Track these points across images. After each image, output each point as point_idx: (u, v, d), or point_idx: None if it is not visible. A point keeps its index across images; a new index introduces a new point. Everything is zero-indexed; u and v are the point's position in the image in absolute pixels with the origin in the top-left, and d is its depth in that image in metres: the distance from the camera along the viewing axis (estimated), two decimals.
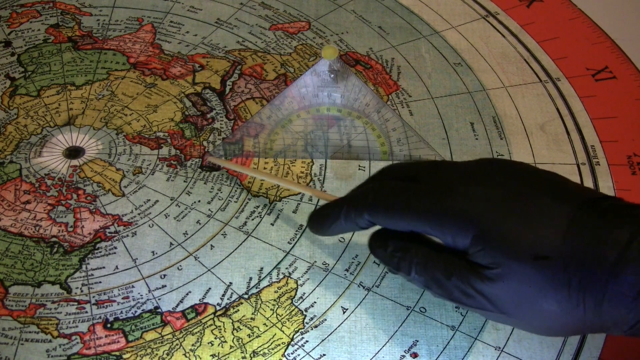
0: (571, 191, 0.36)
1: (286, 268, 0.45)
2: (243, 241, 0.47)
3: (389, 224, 0.38)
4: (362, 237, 0.47)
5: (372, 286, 0.45)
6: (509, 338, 0.42)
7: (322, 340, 0.42)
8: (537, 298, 0.34)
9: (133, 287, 0.44)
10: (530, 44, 0.60)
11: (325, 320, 0.43)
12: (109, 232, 0.47)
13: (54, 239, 0.46)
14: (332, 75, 0.49)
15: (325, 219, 0.41)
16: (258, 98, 0.55)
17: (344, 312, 0.44)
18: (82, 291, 0.44)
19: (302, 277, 0.45)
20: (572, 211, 0.34)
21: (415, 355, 0.42)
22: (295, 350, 0.42)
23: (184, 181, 0.50)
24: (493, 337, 0.43)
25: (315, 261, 0.46)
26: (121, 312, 0.43)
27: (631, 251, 0.32)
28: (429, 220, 0.36)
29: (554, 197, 0.35)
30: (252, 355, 0.41)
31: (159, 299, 0.44)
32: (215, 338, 0.42)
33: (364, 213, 0.39)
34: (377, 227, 0.40)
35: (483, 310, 0.36)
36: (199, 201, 0.49)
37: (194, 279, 0.45)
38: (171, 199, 0.49)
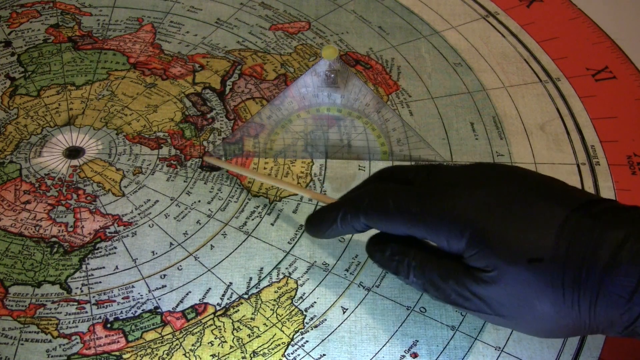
0: (566, 194, 0.36)
1: (286, 268, 0.45)
2: (243, 241, 0.47)
3: (384, 228, 0.39)
4: (363, 237, 0.47)
5: (372, 286, 0.45)
6: (509, 338, 0.42)
7: (322, 340, 0.42)
8: (533, 300, 0.34)
9: (133, 287, 0.44)
10: (530, 44, 0.60)
11: (325, 320, 0.43)
12: (109, 232, 0.47)
13: (54, 239, 0.46)
14: (332, 75, 0.49)
15: (322, 222, 0.41)
16: (258, 98, 0.55)
17: (344, 312, 0.44)
18: (82, 291, 0.44)
19: (302, 277, 0.45)
20: (566, 213, 0.34)
21: (415, 355, 0.42)
22: (295, 350, 0.42)
23: (184, 181, 0.50)
24: (493, 337, 0.43)
25: (315, 261, 0.46)
26: (121, 312, 0.43)
27: (624, 252, 0.32)
28: (423, 224, 0.37)
29: (547, 200, 0.35)
30: (252, 355, 0.41)
31: (159, 299, 0.44)
32: (215, 338, 0.42)
33: (360, 216, 0.39)
34: (375, 231, 0.40)
35: (480, 312, 0.36)
36: (199, 201, 0.49)
37: (194, 279, 0.45)
38: (171, 199, 0.49)
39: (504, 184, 0.36)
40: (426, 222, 0.36)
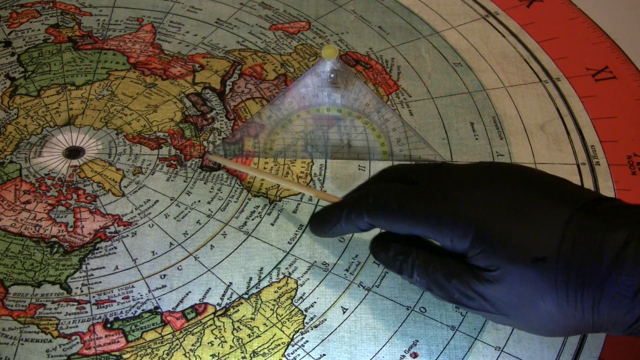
0: (570, 193, 0.36)
1: (286, 268, 0.45)
2: (243, 241, 0.47)
3: (388, 227, 0.39)
4: (362, 236, 0.47)
5: (372, 286, 0.45)
6: (509, 338, 0.42)
7: (322, 340, 0.42)
8: (536, 299, 0.34)
9: (133, 287, 0.44)
10: (530, 44, 0.60)
11: (325, 320, 0.43)
12: (109, 232, 0.47)
13: (54, 239, 0.46)
14: (332, 75, 0.49)
15: (326, 221, 0.41)
16: (258, 98, 0.55)
17: (344, 312, 0.44)
18: (82, 291, 0.44)
19: (302, 277, 0.45)
20: (570, 213, 0.34)
21: (415, 355, 0.42)
22: (295, 350, 0.42)
23: (184, 181, 0.50)
24: (493, 337, 0.43)
25: (315, 261, 0.46)
26: (121, 312, 0.43)
27: (628, 252, 0.32)
28: (428, 224, 0.37)
29: (552, 199, 0.35)
30: (252, 355, 0.41)
31: (159, 299, 0.44)
32: (215, 338, 0.42)
33: (364, 215, 0.39)
34: (379, 230, 0.40)
35: (484, 311, 0.36)
36: (199, 201, 0.49)
37: (194, 279, 0.45)
38: (171, 199, 0.49)
39: (507, 183, 0.36)
40: (430, 221, 0.36)
